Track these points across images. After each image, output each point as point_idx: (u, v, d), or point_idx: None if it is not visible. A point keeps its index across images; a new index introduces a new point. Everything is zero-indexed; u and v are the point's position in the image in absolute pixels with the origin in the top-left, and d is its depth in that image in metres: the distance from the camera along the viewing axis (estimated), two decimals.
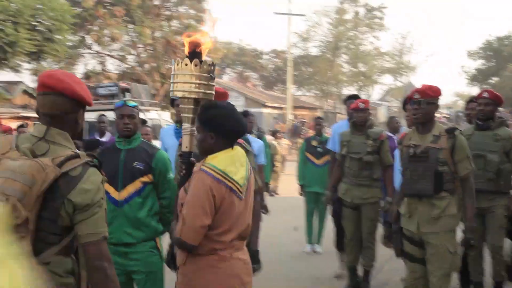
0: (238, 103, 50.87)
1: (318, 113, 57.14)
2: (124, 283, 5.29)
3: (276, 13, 47.99)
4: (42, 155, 3.00)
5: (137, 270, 5.26)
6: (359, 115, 7.86)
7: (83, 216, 2.98)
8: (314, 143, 10.80)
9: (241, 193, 3.90)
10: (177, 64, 4.06)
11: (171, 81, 4.16)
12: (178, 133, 6.95)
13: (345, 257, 8.29)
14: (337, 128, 9.27)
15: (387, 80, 67.26)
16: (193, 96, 4.03)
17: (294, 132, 37.15)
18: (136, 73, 32.83)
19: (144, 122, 10.14)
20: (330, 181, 8.37)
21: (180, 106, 4.25)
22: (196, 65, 3.99)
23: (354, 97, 9.03)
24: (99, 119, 10.89)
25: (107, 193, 5.25)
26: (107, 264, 3.00)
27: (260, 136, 10.28)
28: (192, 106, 4.05)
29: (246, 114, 8.76)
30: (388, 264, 6.01)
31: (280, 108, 51.52)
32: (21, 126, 12.19)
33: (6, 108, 26.11)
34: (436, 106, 5.84)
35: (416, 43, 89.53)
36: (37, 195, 2.89)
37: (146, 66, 32.66)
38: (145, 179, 5.30)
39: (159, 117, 18.34)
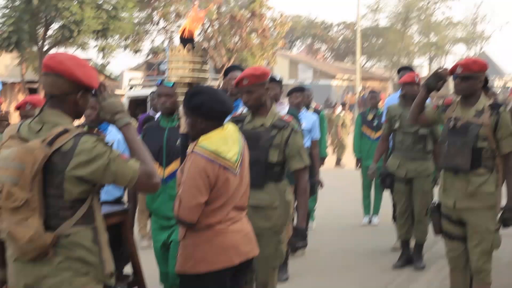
0: (307, 76, 50.73)
1: (389, 84, 56.52)
2: (167, 257, 5.39)
3: None
4: (36, 135, 3.16)
5: None
6: (409, 88, 7.76)
7: (109, 180, 3.18)
8: (369, 116, 10.70)
9: (235, 169, 4.03)
10: (171, 50, 4.22)
11: (166, 67, 4.27)
12: None
13: (398, 230, 8.24)
14: (390, 101, 9.15)
15: (460, 50, 65.98)
16: (187, 80, 4.22)
17: (363, 104, 36.72)
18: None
19: None
20: (375, 155, 8.28)
21: (176, 90, 4.37)
22: (189, 51, 4.14)
23: (407, 69, 8.88)
24: (152, 95, 10.94)
25: None
26: (154, 181, 3.25)
27: (317, 111, 10.18)
28: (187, 90, 4.18)
29: (301, 89, 8.68)
30: (442, 238, 5.97)
31: (350, 80, 51.10)
32: None
33: None
34: (480, 81, 5.56)
35: (490, 12, 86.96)
36: (31, 177, 3.06)
37: (212, 41, 32.79)
38: None
39: None
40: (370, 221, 10.82)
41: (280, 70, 49.57)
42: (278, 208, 5.04)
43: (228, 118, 5.44)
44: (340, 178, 16.23)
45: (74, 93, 3.26)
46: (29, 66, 22.25)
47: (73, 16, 19.77)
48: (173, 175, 5.28)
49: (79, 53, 21.26)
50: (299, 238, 5.09)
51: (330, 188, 12.41)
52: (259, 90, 5.07)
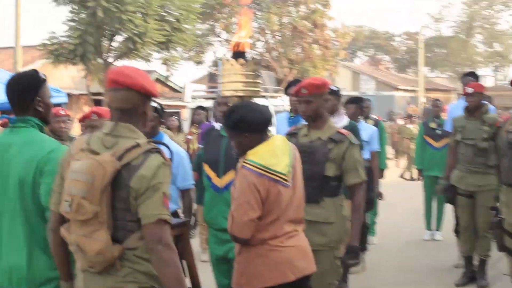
0: (369, 87, 50.37)
1: (452, 95, 55.69)
2: (226, 270, 5.37)
3: None
4: (108, 149, 3.17)
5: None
6: (469, 99, 7.60)
7: (141, 200, 3.12)
8: (432, 125, 10.54)
9: (287, 181, 3.98)
10: (224, 64, 4.18)
11: (220, 81, 4.26)
12: (290, 121, 7.00)
13: (461, 246, 8.07)
14: (453, 109, 8.97)
15: None
16: (240, 94, 4.22)
17: (426, 115, 36.10)
18: (265, 60, 33.01)
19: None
20: (446, 169, 8.11)
21: (229, 104, 4.35)
22: (241, 65, 4.13)
23: (471, 75, 8.66)
24: (214, 105, 10.98)
25: (209, 178, 5.38)
26: (161, 247, 3.10)
27: (377, 122, 10.07)
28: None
29: (355, 100, 8.57)
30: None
31: (413, 91, 50.52)
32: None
33: None
34: None
35: None
36: (101, 190, 3.07)
37: (274, 52, 32.79)
38: None
39: (284, 103, 18.29)
40: (432, 236, 10.64)
41: (342, 81, 49.30)
42: (334, 224, 4.97)
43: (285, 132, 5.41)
44: (403, 191, 16.02)
45: (143, 104, 3.30)
46: (94, 78, 22.63)
47: (137, 28, 20.02)
48: (229, 185, 5.16)
49: (143, 65, 21.55)
50: (351, 256, 4.97)
51: (392, 201, 12.26)
52: (317, 100, 5.03)
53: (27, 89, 3.70)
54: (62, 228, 3.25)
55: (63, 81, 25.42)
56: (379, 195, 8.50)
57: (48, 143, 3.66)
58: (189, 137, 11.71)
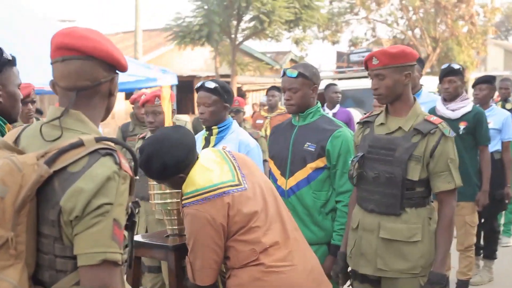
0: None
1: None
2: None
3: None
4: (43, 145, 2.14)
5: None
6: None
7: (77, 229, 2.03)
8: None
9: (239, 185, 3.29)
10: None
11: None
12: None
13: None
14: None
15: None
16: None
17: None
18: (407, 38, 31.42)
19: None
20: None
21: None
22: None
23: None
24: (327, 89, 9.75)
25: (274, 178, 4.34)
26: None
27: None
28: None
29: (487, 80, 7.25)
30: None
31: None
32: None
33: (272, 78, 26.22)
34: None
35: None
36: (16, 207, 1.99)
37: (417, 30, 31.09)
38: (317, 164, 4.19)
39: (425, 84, 16.70)
40: None
41: (494, 61, 46.71)
42: (420, 243, 3.72)
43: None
44: None
45: (110, 81, 2.25)
46: (223, 59, 21.99)
47: (264, 6, 19.14)
48: (296, 188, 4.21)
49: (275, 45, 20.87)
50: (434, 287, 3.67)
51: None
52: (393, 75, 3.74)
53: None
54: None
55: (195, 63, 25.12)
56: (507, 195, 7.06)
57: None
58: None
